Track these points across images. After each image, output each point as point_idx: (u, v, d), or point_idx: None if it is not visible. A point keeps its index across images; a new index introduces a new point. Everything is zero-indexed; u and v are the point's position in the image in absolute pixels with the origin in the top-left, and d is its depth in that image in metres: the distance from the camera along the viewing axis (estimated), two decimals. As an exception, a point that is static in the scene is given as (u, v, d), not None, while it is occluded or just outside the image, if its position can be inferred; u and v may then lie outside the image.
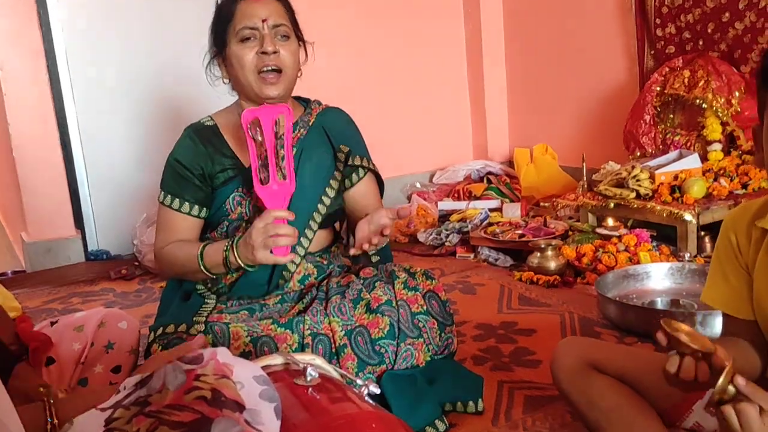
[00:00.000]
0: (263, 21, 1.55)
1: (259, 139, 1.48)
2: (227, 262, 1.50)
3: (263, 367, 0.97)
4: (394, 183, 3.88)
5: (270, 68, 1.56)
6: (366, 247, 1.47)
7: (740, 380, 0.89)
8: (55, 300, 2.74)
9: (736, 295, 1.14)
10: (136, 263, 3.10)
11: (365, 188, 1.73)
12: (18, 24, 3.05)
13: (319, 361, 1.07)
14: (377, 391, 1.03)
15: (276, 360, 1.04)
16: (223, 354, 0.85)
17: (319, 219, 1.66)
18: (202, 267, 1.54)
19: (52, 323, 1.41)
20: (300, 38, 1.66)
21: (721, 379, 0.89)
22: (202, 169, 1.62)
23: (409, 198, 3.85)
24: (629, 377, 1.26)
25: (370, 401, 1.00)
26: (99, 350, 1.40)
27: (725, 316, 1.18)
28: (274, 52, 1.56)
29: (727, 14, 2.97)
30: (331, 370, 1.07)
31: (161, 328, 1.46)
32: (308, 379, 0.96)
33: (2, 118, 3.12)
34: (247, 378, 0.83)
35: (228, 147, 1.65)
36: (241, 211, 1.62)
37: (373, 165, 1.75)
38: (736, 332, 1.16)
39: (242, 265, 1.49)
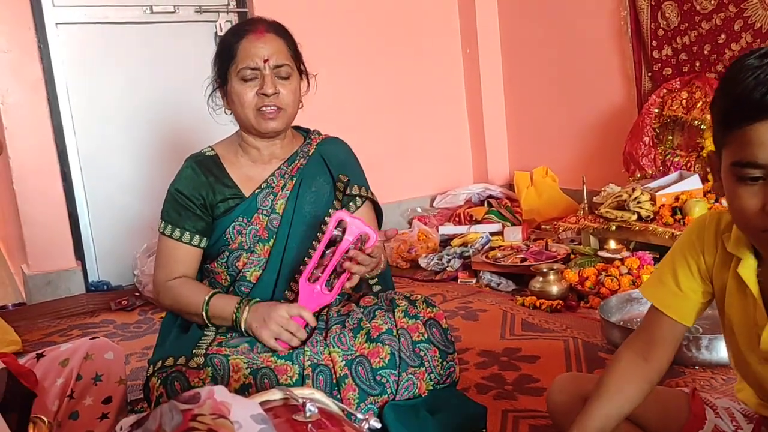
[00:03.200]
0: (265, 61, 1.56)
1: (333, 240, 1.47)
2: (236, 321, 1.52)
3: (262, 403, 0.96)
4: (395, 208, 3.88)
5: (269, 107, 1.58)
6: (347, 265, 1.46)
7: None
8: (55, 333, 2.73)
9: (678, 296, 1.12)
10: (137, 294, 3.09)
11: (363, 217, 1.73)
12: (19, 57, 3.07)
13: (319, 396, 1.05)
14: (378, 425, 1.01)
15: (275, 395, 1.03)
16: (220, 392, 0.83)
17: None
18: (205, 317, 1.55)
19: (38, 356, 1.40)
20: (302, 71, 1.67)
21: None
22: (203, 198, 1.62)
23: (410, 223, 3.85)
24: None
25: (371, 436, 0.99)
26: (87, 383, 1.39)
27: (654, 311, 1.14)
28: (274, 94, 1.57)
29: (722, 36, 2.98)
30: (331, 404, 1.05)
31: (160, 362, 1.45)
32: (307, 415, 0.94)
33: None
34: (244, 417, 0.81)
35: (229, 177, 1.65)
36: (241, 240, 1.62)
37: (372, 194, 1.75)
38: (658, 332, 1.14)
39: (243, 328, 1.51)
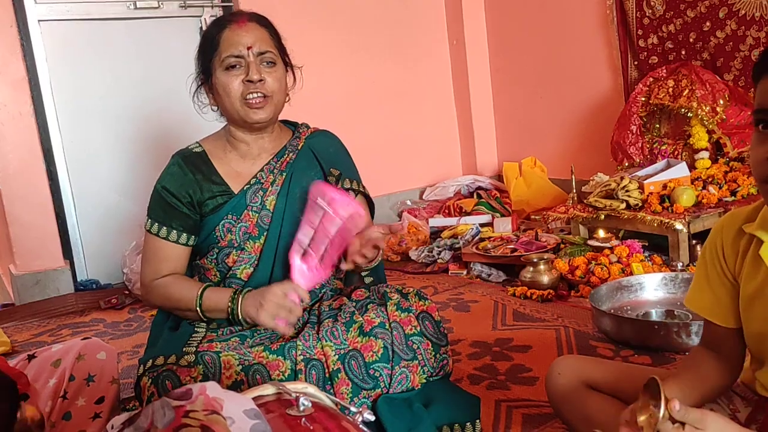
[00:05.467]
0: (248, 48, 1.55)
1: (322, 215, 1.45)
2: (232, 313, 1.51)
3: (255, 398, 0.96)
4: (385, 201, 3.87)
5: (256, 95, 1.56)
6: (358, 259, 1.46)
7: (674, 405, 0.91)
8: (45, 332, 2.71)
9: (719, 302, 1.14)
10: (126, 292, 3.07)
11: (356, 211, 1.73)
12: (1, 55, 3.03)
13: (312, 390, 1.05)
14: (371, 418, 1.02)
15: (267, 390, 1.02)
16: (212, 388, 0.83)
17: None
18: (199, 311, 1.54)
19: (30, 357, 1.39)
20: (287, 63, 1.66)
21: (660, 417, 0.92)
22: (190, 196, 1.60)
23: (399, 216, 3.84)
24: (624, 393, 1.25)
25: (365, 429, 0.99)
26: (80, 383, 1.39)
27: (706, 322, 1.17)
28: (260, 80, 1.55)
29: (708, 24, 2.99)
30: (324, 398, 1.05)
31: (150, 361, 1.44)
32: (301, 408, 0.94)
33: (-13, 150, 3.10)
34: (237, 412, 0.81)
35: (217, 174, 1.63)
36: (231, 237, 1.61)
37: (364, 187, 1.74)
38: (715, 339, 1.16)
39: (241, 318, 1.50)
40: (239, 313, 1.50)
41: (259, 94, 1.56)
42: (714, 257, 1.13)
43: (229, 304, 1.51)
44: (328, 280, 1.72)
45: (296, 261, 1.47)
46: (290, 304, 1.44)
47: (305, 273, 1.48)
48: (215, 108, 1.65)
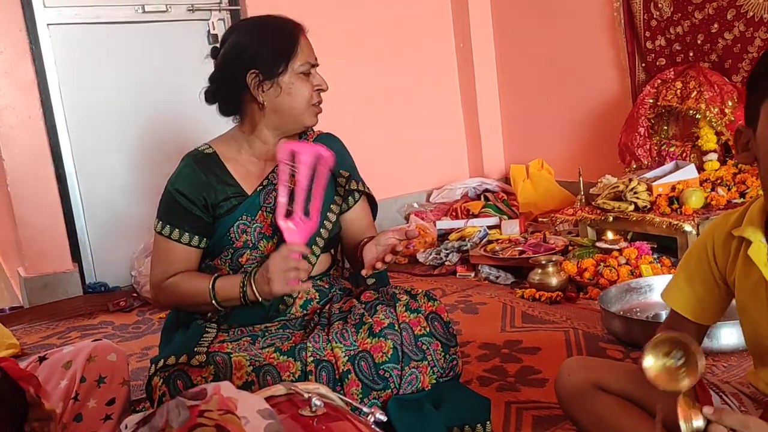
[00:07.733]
0: (315, 59, 1.66)
1: (290, 173, 1.50)
2: (245, 296, 1.52)
3: (267, 399, 0.96)
4: (391, 204, 3.87)
5: (320, 103, 1.67)
6: (379, 266, 1.49)
7: (707, 409, 0.89)
8: (54, 335, 2.71)
9: (697, 300, 1.15)
10: (135, 294, 3.08)
11: (360, 211, 1.75)
12: (10, 58, 3.05)
13: (324, 390, 1.05)
14: (384, 418, 1.02)
15: (280, 390, 1.03)
16: (226, 388, 0.83)
17: (322, 243, 1.66)
18: (214, 301, 1.54)
19: (41, 359, 1.40)
20: None
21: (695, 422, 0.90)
22: (204, 199, 1.60)
23: (406, 218, 3.84)
24: (634, 395, 1.24)
25: (377, 429, 0.99)
26: (91, 385, 1.40)
27: (676, 315, 1.18)
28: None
29: (715, 25, 2.99)
30: (336, 399, 1.05)
31: (162, 360, 1.44)
32: (313, 409, 0.94)
33: (-3, 153, 3.11)
34: (251, 412, 0.81)
35: (230, 175, 1.64)
36: (246, 238, 1.61)
37: (368, 188, 1.75)
38: (681, 330, 1.15)
39: (260, 299, 1.51)
40: (255, 295, 1.50)
41: (320, 103, 1.67)
42: (703, 257, 1.14)
43: (240, 289, 1.52)
44: (335, 279, 1.72)
45: (282, 223, 1.49)
46: (293, 263, 1.45)
47: (295, 230, 1.50)
48: (263, 102, 1.60)
